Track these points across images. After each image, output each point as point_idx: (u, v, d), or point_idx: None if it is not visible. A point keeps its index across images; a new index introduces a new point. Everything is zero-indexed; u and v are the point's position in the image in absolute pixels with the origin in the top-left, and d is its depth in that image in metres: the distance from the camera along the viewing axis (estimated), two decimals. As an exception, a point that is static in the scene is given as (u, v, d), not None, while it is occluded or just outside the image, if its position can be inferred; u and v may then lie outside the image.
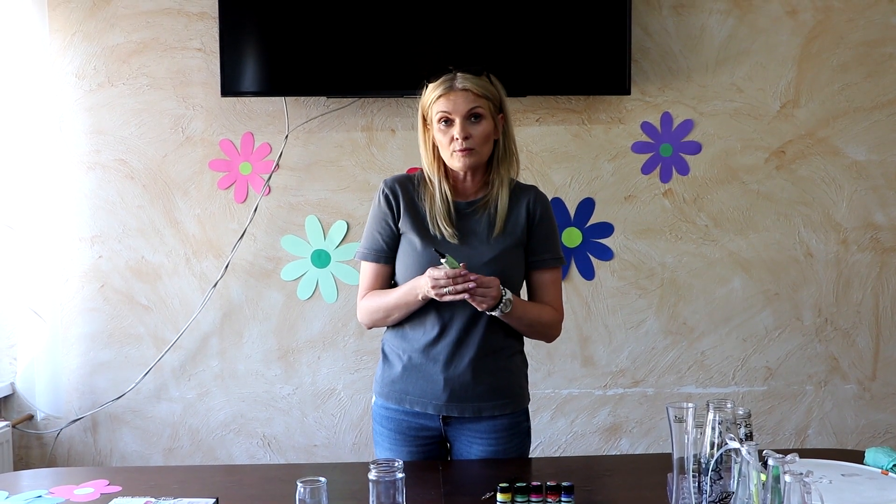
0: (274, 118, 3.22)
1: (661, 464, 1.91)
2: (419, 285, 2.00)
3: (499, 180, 2.10)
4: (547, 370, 3.30)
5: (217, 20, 3.08)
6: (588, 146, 3.26)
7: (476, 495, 1.82)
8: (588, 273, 3.29)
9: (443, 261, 1.94)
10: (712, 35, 3.23)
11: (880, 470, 1.89)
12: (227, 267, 3.24)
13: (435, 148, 2.08)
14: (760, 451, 1.44)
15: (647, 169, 3.26)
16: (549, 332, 2.15)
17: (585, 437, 3.33)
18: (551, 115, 3.25)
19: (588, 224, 3.28)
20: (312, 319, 3.28)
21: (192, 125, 3.22)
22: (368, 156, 3.25)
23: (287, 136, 3.22)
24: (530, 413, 2.19)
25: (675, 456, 1.57)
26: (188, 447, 3.30)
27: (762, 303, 3.31)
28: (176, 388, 3.29)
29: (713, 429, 1.55)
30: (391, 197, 2.11)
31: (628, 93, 3.14)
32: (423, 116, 2.09)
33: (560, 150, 3.26)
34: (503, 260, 2.07)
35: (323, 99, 3.21)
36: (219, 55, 3.08)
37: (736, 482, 1.47)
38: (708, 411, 1.56)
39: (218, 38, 3.09)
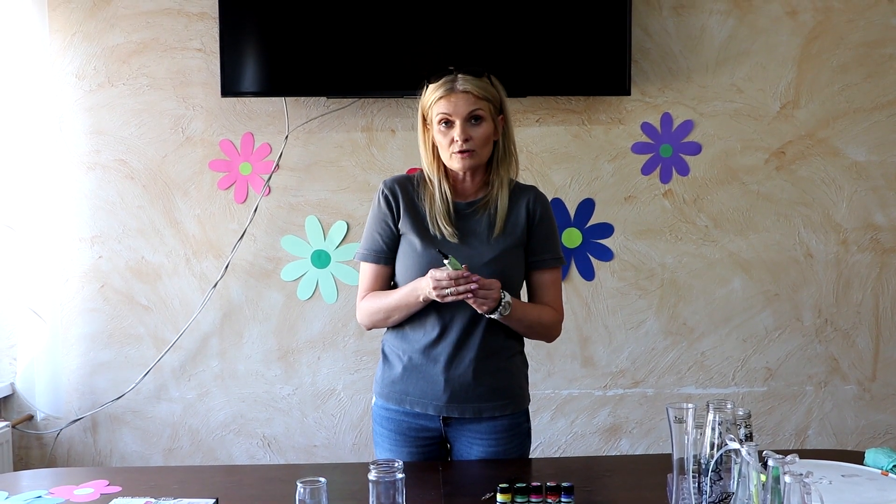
0: (274, 118, 3.22)
1: (661, 464, 1.91)
2: (420, 287, 2.00)
3: (498, 181, 2.10)
4: (547, 371, 3.30)
5: (217, 20, 3.08)
6: (588, 147, 3.26)
7: (476, 496, 1.82)
8: (588, 274, 3.29)
9: (446, 262, 1.94)
10: (712, 36, 3.23)
11: (880, 471, 1.89)
12: (227, 267, 3.24)
13: (434, 148, 2.08)
14: (760, 452, 1.44)
15: (647, 169, 3.26)
16: (549, 332, 2.16)
17: (585, 438, 3.33)
18: (551, 116, 3.25)
19: (588, 225, 3.28)
20: (312, 320, 3.28)
21: (192, 125, 3.22)
22: (368, 156, 3.25)
23: (287, 137, 3.22)
24: (530, 413, 2.19)
25: (675, 456, 1.57)
26: (188, 447, 3.30)
27: (762, 303, 3.31)
28: (176, 389, 3.29)
29: (713, 429, 1.55)
30: (391, 198, 2.11)
31: (628, 93, 3.14)
32: (423, 116, 2.08)
33: (560, 150, 3.26)
34: (503, 260, 2.07)
35: (323, 99, 3.21)
36: (219, 55, 3.08)
37: (736, 483, 1.47)
38: (708, 412, 1.56)
39: (218, 38, 3.09)
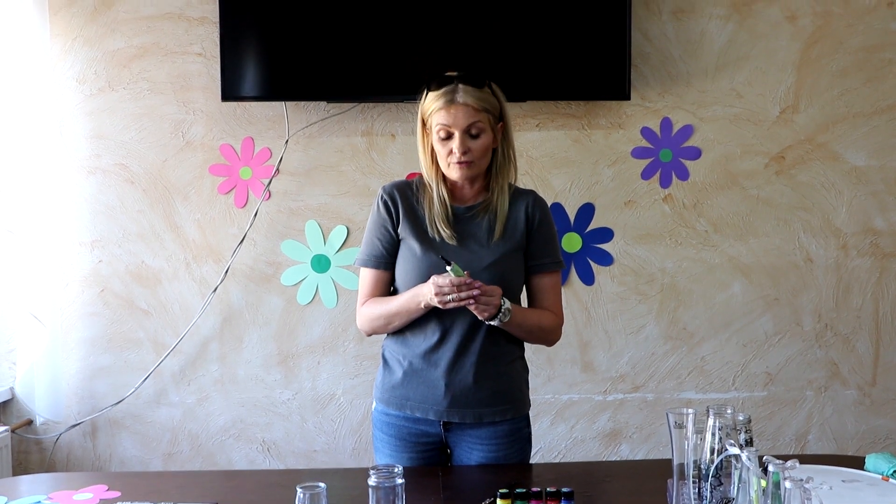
0: (274, 123, 3.22)
1: (661, 469, 1.91)
2: (422, 293, 1.99)
3: (498, 186, 2.10)
4: (547, 375, 3.29)
5: (217, 25, 3.08)
6: (588, 151, 3.26)
7: (476, 501, 1.81)
8: (588, 278, 3.29)
9: (448, 268, 1.94)
10: (712, 40, 3.23)
11: (881, 476, 1.89)
12: (227, 272, 3.24)
13: (433, 152, 2.08)
14: (760, 457, 1.43)
15: (646, 174, 3.26)
16: (549, 337, 2.15)
17: (585, 443, 3.33)
18: (551, 121, 3.25)
19: (588, 229, 3.28)
20: (312, 324, 3.28)
21: (192, 130, 3.22)
22: (368, 161, 3.25)
23: (287, 141, 3.22)
24: (530, 418, 2.19)
25: (675, 462, 1.57)
26: (188, 452, 3.30)
27: (762, 308, 3.31)
28: (176, 393, 3.28)
29: (713, 434, 1.55)
30: (390, 203, 2.11)
31: (628, 98, 3.14)
32: (423, 121, 2.08)
33: (560, 155, 3.26)
34: (503, 264, 2.07)
35: (323, 104, 3.21)
36: (219, 60, 3.09)
37: (736, 488, 1.47)
38: (708, 417, 1.56)
39: (218, 42, 3.09)
